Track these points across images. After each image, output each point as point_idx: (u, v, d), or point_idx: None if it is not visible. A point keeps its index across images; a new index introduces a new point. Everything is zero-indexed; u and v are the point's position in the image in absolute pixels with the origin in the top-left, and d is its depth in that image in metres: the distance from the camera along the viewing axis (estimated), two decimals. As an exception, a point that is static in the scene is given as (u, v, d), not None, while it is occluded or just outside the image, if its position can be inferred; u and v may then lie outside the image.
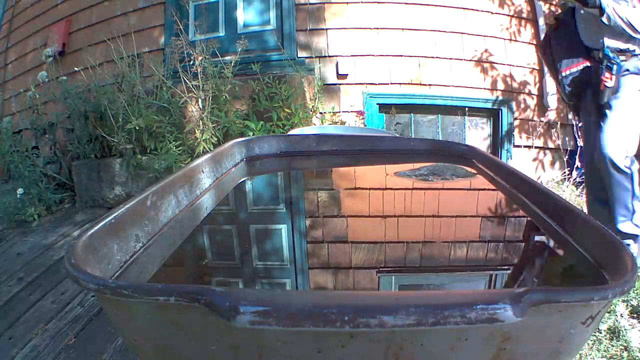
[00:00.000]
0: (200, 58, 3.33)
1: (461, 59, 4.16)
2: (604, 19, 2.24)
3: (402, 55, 4.10)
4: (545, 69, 4.25)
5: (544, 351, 0.67)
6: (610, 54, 2.29)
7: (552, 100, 4.28)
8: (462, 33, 4.15)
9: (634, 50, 2.33)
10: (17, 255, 2.74)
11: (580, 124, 3.28)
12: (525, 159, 4.27)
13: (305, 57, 4.07)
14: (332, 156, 1.79)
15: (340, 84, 4.09)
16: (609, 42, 2.31)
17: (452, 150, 1.76)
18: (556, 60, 2.52)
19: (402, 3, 4.12)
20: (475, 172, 1.55)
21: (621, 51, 2.32)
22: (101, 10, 4.51)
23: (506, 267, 0.93)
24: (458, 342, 0.61)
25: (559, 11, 4.30)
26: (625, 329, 1.93)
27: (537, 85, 4.33)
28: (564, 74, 2.49)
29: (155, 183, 1.07)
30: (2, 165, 3.56)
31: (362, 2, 4.11)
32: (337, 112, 4.02)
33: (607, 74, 2.28)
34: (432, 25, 4.12)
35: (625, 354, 1.80)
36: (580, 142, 3.36)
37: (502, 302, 0.57)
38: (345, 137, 2.00)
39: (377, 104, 4.14)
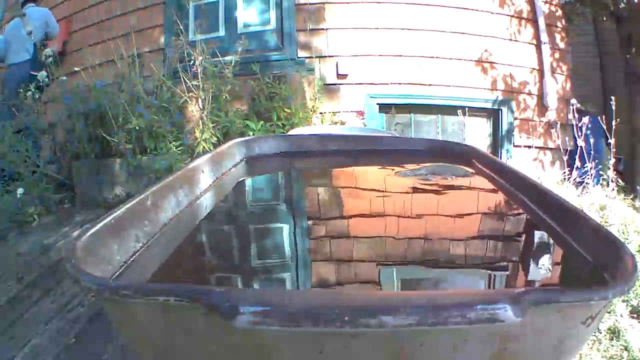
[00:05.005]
0: (200, 58, 3.33)
1: (461, 59, 4.16)
2: None
3: (402, 55, 4.10)
4: (545, 68, 4.26)
5: (544, 351, 0.67)
6: None
7: (552, 100, 4.27)
8: (462, 33, 4.14)
9: None
10: (17, 255, 2.74)
11: (580, 124, 3.27)
12: (525, 159, 4.26)
13: (305, 57, 4.07)
14: (332, 156, 1.79)
15: (340, 84, 4.09)
16: None
17: (452, 150, 1.76)
18: None
19: (402, 3, 4.12)
20: (475, 172, 1.55)
21: None
22: (101, 10, 4.51)
23: (506, 267, 0.93)
24: (458, 342, 0.61)
25: (559, 10, 4.30)
26: (625, 329, 1.93)
27: (537, 85, 4.33)
28: None
29: (155, 183, 1.07)
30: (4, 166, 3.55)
31: (362, 2, 4.11)
32: (337, 112, 4.02)
33: None
34: (432, 25, 4.11)
35: (625, 354, 1.80)
36: (580, 142, 3.35)
37: (502, 302, 0.57)
38: (345, 137, 2.00)
39: (377, 103, 4.14)
